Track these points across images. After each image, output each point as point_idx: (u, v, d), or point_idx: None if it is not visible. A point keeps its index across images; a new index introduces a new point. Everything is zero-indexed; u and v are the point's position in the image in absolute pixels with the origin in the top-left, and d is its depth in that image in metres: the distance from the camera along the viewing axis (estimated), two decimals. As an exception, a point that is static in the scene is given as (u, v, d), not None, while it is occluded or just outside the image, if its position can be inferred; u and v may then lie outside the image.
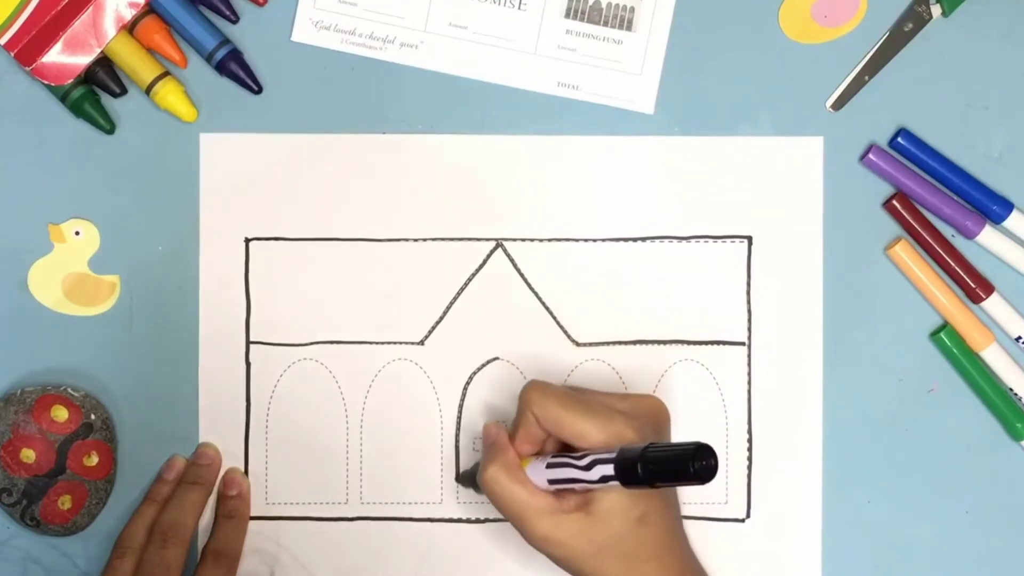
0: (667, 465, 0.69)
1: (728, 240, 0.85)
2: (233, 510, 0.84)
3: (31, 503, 0.83)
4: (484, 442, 0.80)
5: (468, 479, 0.84)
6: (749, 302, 0.85)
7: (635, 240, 0.85)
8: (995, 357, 0.85)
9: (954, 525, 0.85)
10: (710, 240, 0.85)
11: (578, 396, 0.77)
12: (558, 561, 0.76)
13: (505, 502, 0.76)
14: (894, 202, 0.84)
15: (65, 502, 0.83)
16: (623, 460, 0.71)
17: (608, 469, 0.71)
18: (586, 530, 0.74)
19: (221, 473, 0.84)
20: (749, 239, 0.85)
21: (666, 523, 0.76)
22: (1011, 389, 0.85)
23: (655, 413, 0.78)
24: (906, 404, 0.85)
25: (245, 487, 0.84)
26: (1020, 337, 0.85)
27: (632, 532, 0.74)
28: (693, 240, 0.85)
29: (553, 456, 0.76)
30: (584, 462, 0.73)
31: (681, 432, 0.85)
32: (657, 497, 0.75)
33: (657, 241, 0.85)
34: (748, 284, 0.85)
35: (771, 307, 0.85)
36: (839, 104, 0.85)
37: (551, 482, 0.75)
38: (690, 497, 0.85)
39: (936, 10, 0.84)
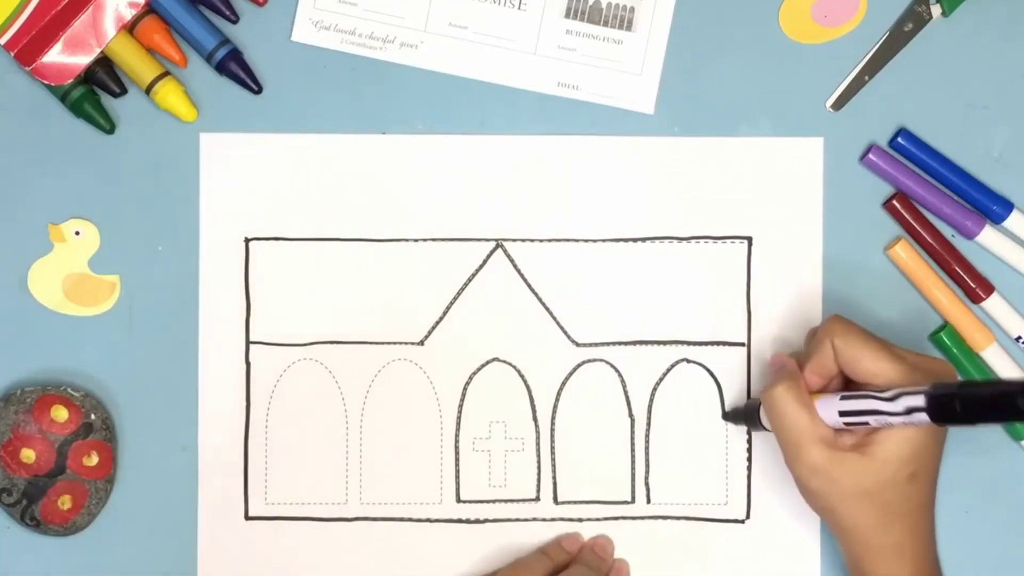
0: (990, 401, 0.68)
1: (728, 240, 0.85)
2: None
3: (31, 503, 0.83)
4: (771, 367, 0.80)
5: (738, 415, 0.84)
6: (749, 302, 0.85)
7: (635, 240, 0.85)
8: (995, 357, 0.85)
9: (954, 525, 0.85)
10: (710, 240, 0.85)
11: (879, 338, 0.77)
12: (815, 495, 0.76)
13: (786, 422, 0.76)
14: (894, 202, 0.84)
15: (65, 502, 0.83)
16: (938, 393, 0.70)
17: (917, 400, 0.71)
18: (857, 470, 0.75)
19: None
20: (749, 239, 0.85)
21: (931, 486, 0.76)
22: (1011, 389, 0.85)
23: (949, 377, 0.77)
24: (906, 404, 0.85)
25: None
26: (1020, 337, 0.85)
27: (899, 485, 0.75)
28: (693, 240, 0.85)
29: (847, 390, 0.76)
30: (888, 394, 0.73)
31: (681, 431, 0.85)
32: (932, 459, 0.76)
33: (657, 241, 0.85)
34: (748, 284, 0.85)
35: (771, 307, 0.85)
36: (839, 104, 0.85)
37: (842, 413, 0.75)
38: (690, 498, 0.85)
39: (936, 10, 0.84)
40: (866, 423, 0.74)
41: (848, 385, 0.78)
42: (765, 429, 0.80)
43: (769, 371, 0.81)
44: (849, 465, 0.75)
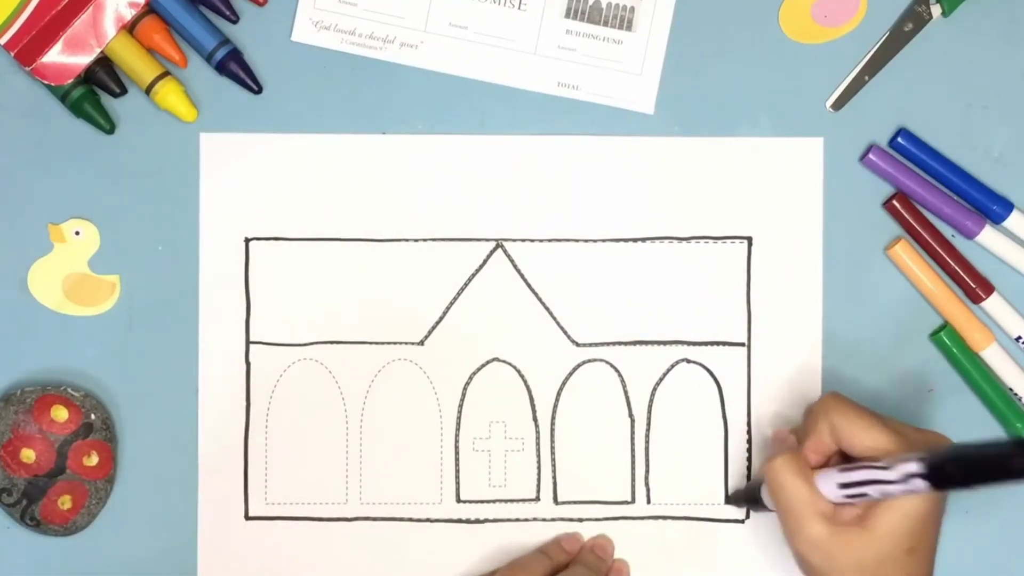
0: (984, 464, 0.68)
1: (728, 240, 0.85)
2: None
3: (31, 503, 0.83)
4: (772, 442, 0.81)
5: (739, 497, 0.84)
6: (749, 302, 0.85)
7: (635, 240, 0.85)
8: (995, 357, 0.85)
9: (954, 525, 0.85)
10: (710, 240, 0.85)
11: (875, 413, 0.77)
12: (814, 570, 0.76)
13: (786, 494, 0.75)
14: (894, 202, 0.84)
15: (65, 502, 0.83)
16: (934, 458, 0.70)
17: (913, 467, 0.70)
18: (857, 545, 0.74)
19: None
20: (749, 239, 0.85)
21: (929, 561, 0.76)
22: (1011, 389, 0.85)
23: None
24: (906, 404, 0.85)
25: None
26: (1020, 337, 0.85)
27: (899, 559, 0.74)
28: (693, 240, 0.85)
29: (845, 463, 0.76)
30: (884, 462, 0.73)
31: (681, 431, 0.85)
32: (930, 533, 0.75)
33: (657, 241, 0.85)
34: (748, 284, 0.85)
35: (771, 307, 0.85)
36: (839, 104, 0.85)
37: (841, 485, 0.74)
38: (690, 498, 0.85)
39: (936, 10, 0.84)
40: (866, 494, 0.74)
41: (846, 462, 0.78)
42: (767, 509, 0.80)
43: (770, 446, 0.82)
44: (849, 540, 0.74)
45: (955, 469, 0.69)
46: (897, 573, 0.75)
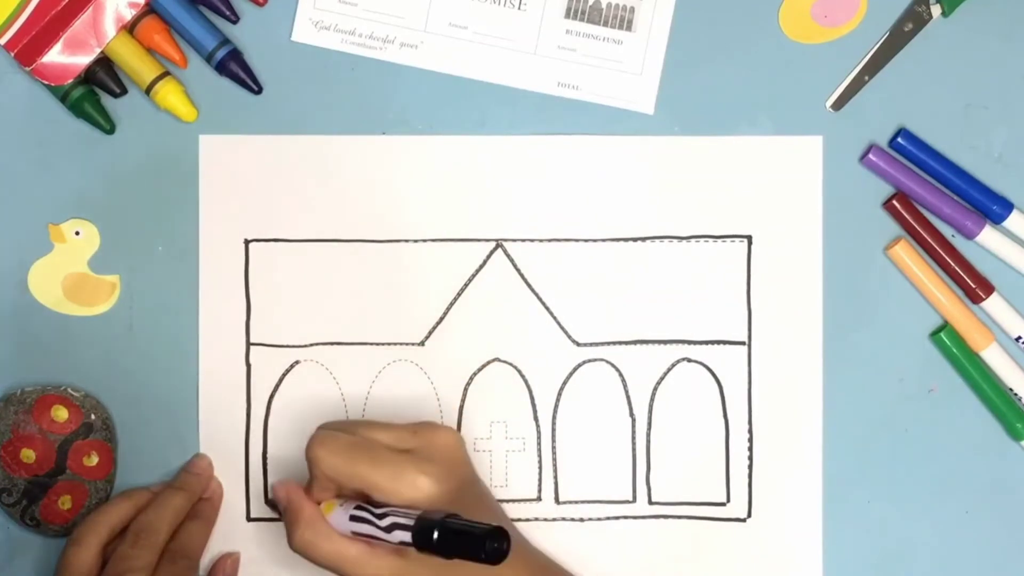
0: (461, 544, 0.70)
1: (728, 240, 0.85)
2: (199, 511, 0.83)
3: (31, 503, 0.83)
4: (278, 503, 0.79)
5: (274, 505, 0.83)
6: (749, 302, 0.85)
7: (635, 240, 0.85)
8: (995, 357, 0.85)
9: (954, 525, 0.85)
10: (710, 240, 0.85)
11: (364, 445, 0.76)
12: None
13: (323, 562, 0.76)
14: (894, 202, 0.84)
15: (65, 502, 0.83)
16: (420, 530, 0.72)
17: (407, 536, 0.72)
18: (403, 571, 0.74)
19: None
20: (749, 239, 0.85)
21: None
22: (1011, 389, 0.85)
23: (447, 450, 0.78)
24: (906, 404, 0.85)
25: (217, 492, 0.84)
26: (1020, 337, 0.85)
27: (445, 570, 0.74)
28: (693, 240, 0.85)
29: (355, 508, 0.76)
30: (385, 523, 0.74)
31: (682, 430, 0.85)
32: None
33: (657, 241, 0.85)
34: (748, 284, 0.85)
35: (771, 307, 0.85)
36: (839, 104, 0.85)
37: (355, 534, 0.75)
38: (691, 497, 0.85)
39: (936, 10, 0.84)
40: (373, 536, 0.74)
41: None
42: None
43: (279, 505, 0.79)
44: (395, 569, 0.74)
45: (439, 545, 0.71)
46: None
